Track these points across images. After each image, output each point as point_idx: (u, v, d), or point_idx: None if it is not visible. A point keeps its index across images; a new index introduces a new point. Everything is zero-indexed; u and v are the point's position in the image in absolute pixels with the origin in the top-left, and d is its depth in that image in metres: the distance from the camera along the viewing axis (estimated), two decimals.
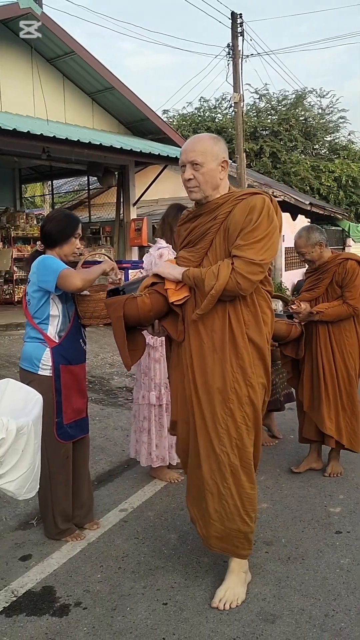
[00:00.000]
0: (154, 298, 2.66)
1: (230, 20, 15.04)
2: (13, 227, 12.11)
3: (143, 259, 4.17)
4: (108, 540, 3.23)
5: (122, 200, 12.78)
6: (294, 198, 16.65)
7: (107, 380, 6.38)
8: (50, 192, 16.71)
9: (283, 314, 4.14)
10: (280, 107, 24.54)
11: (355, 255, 4.09)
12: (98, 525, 3.39)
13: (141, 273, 4.14)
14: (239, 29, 15.05)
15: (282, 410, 4.93)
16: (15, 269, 11.41)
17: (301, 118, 24.63)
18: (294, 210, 16.64)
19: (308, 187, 22.16)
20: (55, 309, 3.10)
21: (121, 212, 12.78)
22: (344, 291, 3.97)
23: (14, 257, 11.45)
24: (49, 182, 16.26)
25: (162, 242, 3.99)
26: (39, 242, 3.29)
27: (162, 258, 3.89)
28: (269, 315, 2.69)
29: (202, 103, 25.59)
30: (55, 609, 2.63)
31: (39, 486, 2.24)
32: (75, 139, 8.97)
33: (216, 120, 24.68)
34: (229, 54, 15.17)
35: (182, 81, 57.58)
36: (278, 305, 4.35)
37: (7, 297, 11.70)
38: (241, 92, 15.04)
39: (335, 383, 4.02)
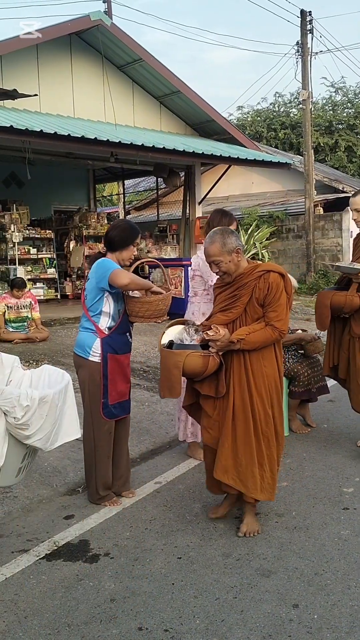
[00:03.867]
0: None
1: (300, 18, 15.18)
2: (85, 226, 12.83)
3: (191, 260, 4.57)
4: (140, 507, 3.71)
5: (188, 198, 13.24)
6: None
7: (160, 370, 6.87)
8: (123, 192, 17.45)
9: (196, 345, 3.24)
10: (357, 100, 24.22)
11: (276, 266, 3.28)
12: (134, 494, 3.87)
13: (192, 271, 4.50)
14: (308, 27, 15.16)
15: (314, 401, 5.25)
16: (87, 265, 12.09)
17: None
18: None
19: None
20: (107, 307, 3.61)
21: (187, 210, 13.24)
22: (267, 311, 3.18)
23: (85, 254, 12.16)
24: (122, 182, 16.97)
25: None
26: (102, 245, 3.81)
27: None
28: None
29: (276, 98, 25.64)
30: (87, 557, 3.13)
31: (62, 442, 2.76)
32: (139, 144, 9.50)
33: (291, 115, 24.65)
34: (297, 51, 15.31)
35: (261, 73, 57.42)
36: (184, 335, 3.39)
37: (79, 291, 12.44)
38: (309, 89, 15.14)
39: (250, 423, 3.21)
